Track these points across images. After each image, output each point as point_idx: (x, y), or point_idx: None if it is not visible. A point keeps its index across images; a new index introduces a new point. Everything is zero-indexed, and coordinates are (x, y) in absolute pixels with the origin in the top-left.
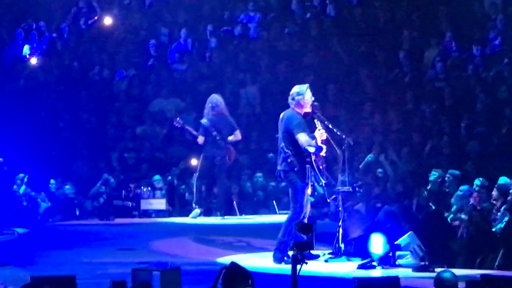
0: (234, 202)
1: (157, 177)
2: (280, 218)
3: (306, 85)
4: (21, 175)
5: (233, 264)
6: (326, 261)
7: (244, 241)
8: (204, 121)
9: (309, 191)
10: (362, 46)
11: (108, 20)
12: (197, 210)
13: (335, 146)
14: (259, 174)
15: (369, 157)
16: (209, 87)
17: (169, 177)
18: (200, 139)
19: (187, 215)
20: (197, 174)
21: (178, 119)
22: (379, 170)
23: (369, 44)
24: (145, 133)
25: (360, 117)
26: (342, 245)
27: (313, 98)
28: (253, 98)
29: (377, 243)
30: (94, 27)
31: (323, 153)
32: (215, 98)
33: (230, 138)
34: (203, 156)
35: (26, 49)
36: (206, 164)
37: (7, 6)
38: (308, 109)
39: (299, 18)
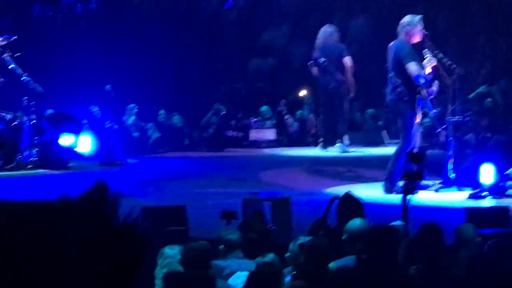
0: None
1: (265, 107)
2: (390, 149)
3: (419, 16)
4: (131, 105)
5: (348, 195)
6: (436, 191)
7: (354, 171)
8: (314, 52)
9: (418, 120)
10: None
11: None
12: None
13: (445, 75)
14: (370, 111)
15: (482, 88)
16: (318, 16)
17: (279, 108)
18: (314, 71)
19: (296, 145)
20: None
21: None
22: (488, 99)
23: None
24: (254, 64)
25: (470, 46)
26: (453, 175)
27: (423, 29)
28: (363, 27)
29: (488, 173)
30: None
31: (434, 88)
32: (327, 28)
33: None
34: (319, 86)
35: None
36: (321, 94)
37: None
38: (417, 39)
39: None
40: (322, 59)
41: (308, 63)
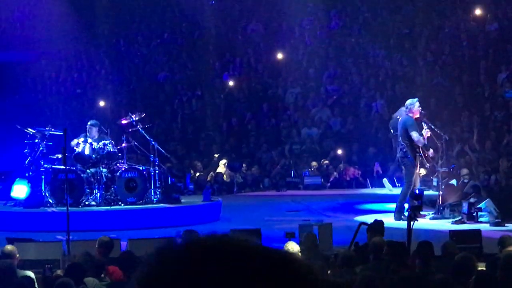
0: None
1: (314, 162)
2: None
3: (416, 99)
4: (224, 160)
5: (377, 220)
6: (430, 219)
7: (376, 205)
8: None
9: (417, 171)
10: (455, 72)
11: (280, 55)
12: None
13: (436, 140)
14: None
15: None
16: (349, 101)
17: (325, 162)
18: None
19: (334, 188)
20: None
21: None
22: (467, 156)
23: (459, 71)
24: (307, 132)
25: (453, 120)
26: (442, 208)
27: (420, 108)
28: (381, 108)
29: (464, 207)
30: (271, 60)
31: (430, 153)
32: (400, 109)
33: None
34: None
35: (227, 79)
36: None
37: (214, 46)
38: (417, 115)
39: (412, 54)
40: (391, 131)
41: None
